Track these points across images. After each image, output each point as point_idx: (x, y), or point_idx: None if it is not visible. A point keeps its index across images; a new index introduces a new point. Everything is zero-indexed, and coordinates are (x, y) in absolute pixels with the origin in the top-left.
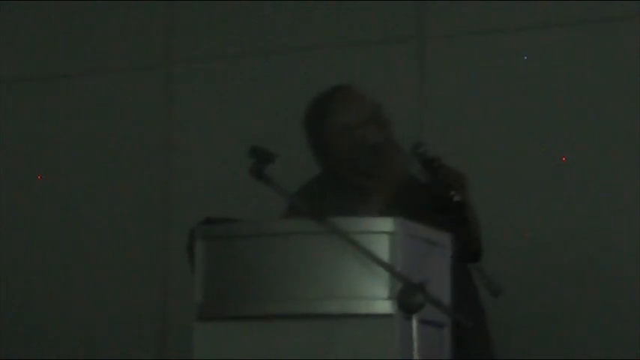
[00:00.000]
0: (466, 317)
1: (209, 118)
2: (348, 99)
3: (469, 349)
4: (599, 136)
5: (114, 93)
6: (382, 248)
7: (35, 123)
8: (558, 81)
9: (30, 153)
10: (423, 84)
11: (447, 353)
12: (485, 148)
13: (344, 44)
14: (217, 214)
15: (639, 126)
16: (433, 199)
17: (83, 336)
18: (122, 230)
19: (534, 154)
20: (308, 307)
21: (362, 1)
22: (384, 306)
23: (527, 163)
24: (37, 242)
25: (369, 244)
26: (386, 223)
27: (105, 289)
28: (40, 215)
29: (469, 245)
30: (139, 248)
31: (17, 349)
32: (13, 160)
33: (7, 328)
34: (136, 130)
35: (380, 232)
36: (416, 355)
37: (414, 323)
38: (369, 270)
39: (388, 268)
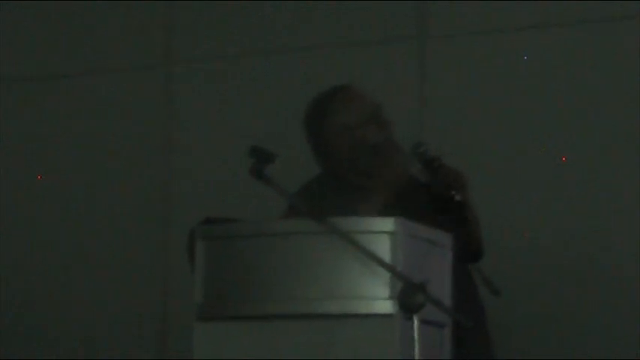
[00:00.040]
0: (466, 317)
1: (209, 118)
2: (348, 99)
3: (469, 349)
4: (599, 136)
5: (114, 93)
6: (383, 248)
7: (35, 123)
8: (558, 81)
9: (30, 153)
10: (423, 84)
11: (448, 353)
12: (485, 148)
13: (344, 44)
14: (217, 214)
15: (639, 126)
16: (433, 199)
17: (83, 336)
18: (122, 230)
19: (534, 154)
20: (308, 307)
21: (362, 1)
22: (385, 306)
23: (527, 163)
24: (37, 242)
25: (370, 244)
26: (386, 223)
27: (105, 289)
28: (40, 215)
29: (469, 245)
30: (138, 248)
31: (17, 349)
32: (13, 160)
33: (7, 328)
34: (136, 130)
35: (380, 232)
36: (416, 355)
37: (415, 323)
38: (370, 270)
39: (389, 268)
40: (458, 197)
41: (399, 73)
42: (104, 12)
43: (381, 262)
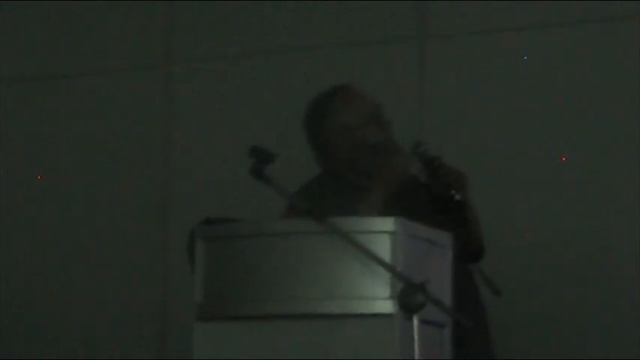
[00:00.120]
0: (467, 317)
1: (209, 118)
2: (348, 99)
3: (469, 349)
4: (599, 136)
5: (114, 93)
6: (383, 248)
7: (35, 123)
8: (558, 81)
9: (30, 153)
10: (423, 84)
11: (448, 353)
12: (485, 148)
13: (344, 44)
14: (217, 214)
15: (639, 126)
16: (433, 199)
17: (83, 336)
18: (122, 230)
19: (534, 154)
20: (308, 307)
21: (362, 1)
22: (385, 306)
23: (527, 163)
24: (37, 242)
25: (370, 244)
26: (386, 223)
27: (105, 289)
28: (40, 215)
29: (469, 245)
30: (138, 248)
31: (17, 349)
32: (13, 160)
33: (7, 328)
34: (136, 130)
35: (381, 232)
36: (416, 355)
37: (415, 323)
38: (370, 270)
39: (389, 268)
40: (458, 197)
41: (399, 73)
42: (104, 12)
43: (381, 262)
